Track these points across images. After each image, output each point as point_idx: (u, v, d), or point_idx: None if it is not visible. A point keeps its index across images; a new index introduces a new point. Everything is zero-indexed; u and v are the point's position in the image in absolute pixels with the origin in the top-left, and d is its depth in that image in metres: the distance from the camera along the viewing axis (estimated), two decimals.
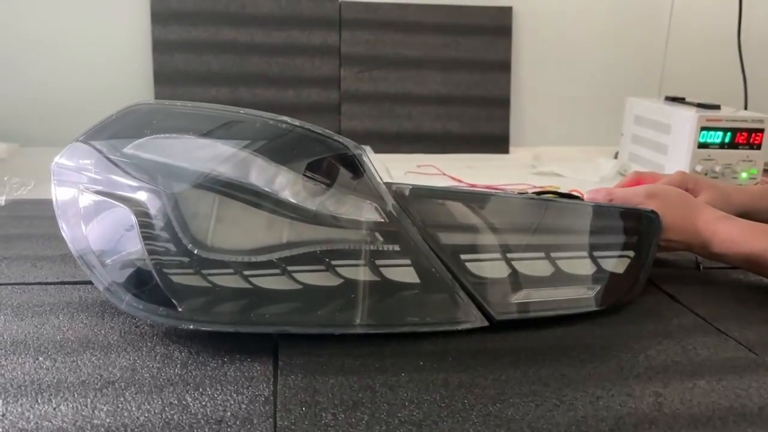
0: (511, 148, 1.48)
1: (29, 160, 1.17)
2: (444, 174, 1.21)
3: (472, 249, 0.58)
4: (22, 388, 0.47)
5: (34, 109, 1.34)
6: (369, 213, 0.55)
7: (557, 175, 1.26)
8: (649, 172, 0.84)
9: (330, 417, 0.45)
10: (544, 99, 1.53)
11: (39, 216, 0.83)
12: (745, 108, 1.43)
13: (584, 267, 0.63)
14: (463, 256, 0.58)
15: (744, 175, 1.14)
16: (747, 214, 0.74)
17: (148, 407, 0.45)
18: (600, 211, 0.66)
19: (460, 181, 1.16)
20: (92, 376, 0.49)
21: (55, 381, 0.48)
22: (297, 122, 0.56)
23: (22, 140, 1.28)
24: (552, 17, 1.51)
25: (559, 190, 0.89)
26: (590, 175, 1.27)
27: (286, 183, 0.54)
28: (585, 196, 0.76)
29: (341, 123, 1.40)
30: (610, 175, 1.27)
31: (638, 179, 0.82)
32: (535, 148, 1.49)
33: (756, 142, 1.13)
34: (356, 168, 0.55)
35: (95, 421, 0.43)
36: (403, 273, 0.56)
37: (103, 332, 0.56)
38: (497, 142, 1.47)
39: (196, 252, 0.53)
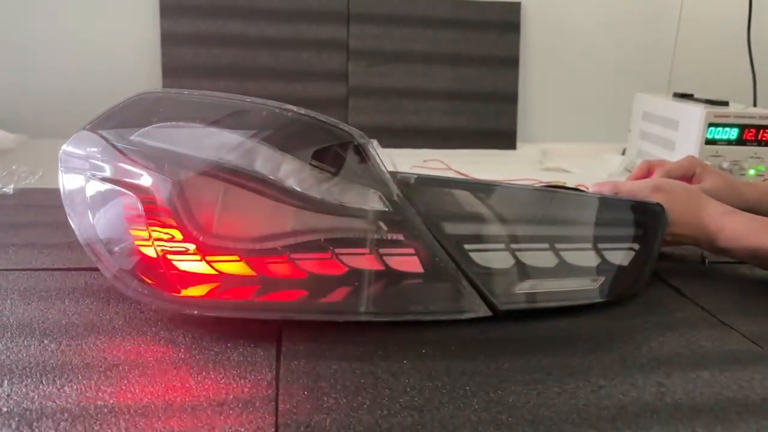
0: (519, 144, 1.48)
1: (38, 150, 1.17)
2: (450, 168, 1.22)
3: (476, 239, 0.58)
4: (27, 369, 0.47)
5: (43, 101, 1.35)
6: (374, 202, 0.55)
7: (564, 171, 1.26)
8: (658, 160, 0.84)
9: (332, 401, 0.46)
10: (551, 95, 1.53)
11: (46, 204, 0.84)
12: (754, 105, 1.42)
13: (589, 259, 0.63)
14: (467, 246, 0.58)
15: (752, 171, 1.13)
16: (755, 209, 0.74)
17: (152, 389, 0.46)
18: (605, 203, 0.66)
19: (466, 176, 1.16)
20: (97, 358, 0.49)
21: (59, 363, 0.48)
22: (303, 111, 0.56)
23: (31, 131, 1.29)
24: (560, 13, 1.50)
25: (565, 185, 0.89)
26: (597, 171, 1.27)
27: (291, 171, 0.54)
28: (590, 189, 0.76)
29: (348, 117, 1.41)
30: (618, 172, 1.27)
31: (649, 167, 0.82)
32: (542, 144, 1.49)
33: (764, 138, 1.13)
34: (361, 157, 0.55)
35: (98, 402, 0.44)
36: (407, 262, 0.56)
37: (108, 317, 0.56)
38: (504, 138, 1.47)
39: (201, 239, 0.53)
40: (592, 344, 0.56)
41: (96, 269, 0.59)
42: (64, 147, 0.60)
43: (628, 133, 1.36)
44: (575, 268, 0.62)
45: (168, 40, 1.35)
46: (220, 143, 0.55)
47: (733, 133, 1.12)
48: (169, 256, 0.54)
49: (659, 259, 0.68)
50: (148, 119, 0.57)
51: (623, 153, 1.38)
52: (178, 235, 0.53)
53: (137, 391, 0.45)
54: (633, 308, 0.64)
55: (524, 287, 0.60)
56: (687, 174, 0.81)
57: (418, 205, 0.56)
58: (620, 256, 0.65)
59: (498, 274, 0.59)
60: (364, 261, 0.55)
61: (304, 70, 1.40)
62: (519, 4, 1.46)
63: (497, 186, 0.62)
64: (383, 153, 0.58)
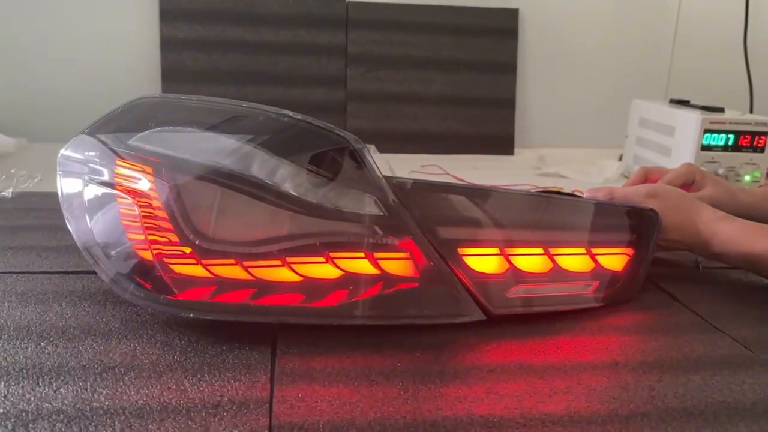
0: (516, 150, 1.49)
1: (36, 154, 1.18)
2: (448, 174, 1.22)
3: (471, 244, 0.59)
4: (24, 371, 0.48)
5: (43, 105, 1.35)
6: (369, 206, 0.55)
7: (561, 177, 1.27)
8: (656, 167, 0.85)
9: (326, 404, 0.46)
10: (549, 101, 1.54)
11: (45, 208, 0.84)
12: (751, 111, 1.43)
13: (583, 264, 0.64)
14: (461, 251, 0.58)
15: (747, 178, 1.14)
16: (751, 215, 0.74)
17: (147, 391, 0.46)
18: (600, 208, 0.67)
19: (463, 181, 1.16)
20: (93, 361, 0.50)
21: (56, 365, 0.49)
22: (299, 116, 0.56)
23: (30, 136, 1.30)
24: (558, 20, 1.51)
25: (561, 191, 0.90)
26: (594, 176, 1.28)
27: (287, 176, 0.54)
28: (585, 195, 0.76)
29: (347, 122, 1.41)
30: (614, 177, 1.27)
31: (646, 174, 0.83)
32: (539, 149, 1.49)
33: (760, 145, 1.13)
34: (357, 161, 0.55)
35: (94, 404, 0.44)
36: (402, 266, 0.57)
37: (104, 320, 0.57)
38: (502, 143, 1.48)
39: (197, 243, 0.53)
40: (585, 348, 0.57)
41: (93, 272, 0.59)
42: (63, 151, 0.60)
43: (625, 139, 1.37)
44: (569, 273, 0.63)
45: (167, 45, 1.36)
46: (217, 148, 0.55)
47: (729, 140, 1.12)
48: (166, 260, 0.54)
49: (653, 265, 0.68)
50: (146, 124, 0.57)
51: (620, 159, 1.39)
52: (175, 239, 0.54)
53: (133, 393, 0.46)
54: (626, 313, 0.64)
55: (518, 292, 0.61)
56: (687, 182, 0.81)
57: (413, 210, 0.56)
58: (614, 261, 0.65)
59: (492, 279, 0.59)
60: (359, 265, 0.56)
61: (302, 75, 1.40)
62: (517, 10, 1.47)
63: (492, 191, 0.62)
64: (381, 158, 0.58)
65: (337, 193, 0.55)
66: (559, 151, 1.48)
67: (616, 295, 0.65)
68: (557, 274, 0.62)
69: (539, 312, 0.62)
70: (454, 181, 1.17)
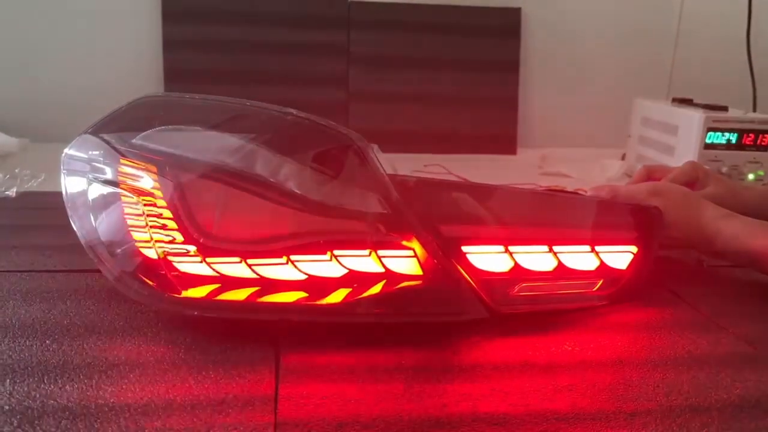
0: (519, 149, 1.49)
1: (40, 155, 1.18)
2: (451, 173, 1.22)
3: (475, 241, 0.59)
4: (29, 368, 0.48)
5: (46, 106, 1.36)
6: (373, 204, 0.55)
7: (564, 176, 1.27)
8: (659, 166, 0.85)
9: (330, 401, 0.46)
10: (551, 100, 1.54)
11: (49, 207, 0.84)
12: (754, 110, 1.43)
13: (586, 261, 0.64)
14: (465, 248, 0.58)
15: (751, 176, 1.14)
16: (754, 213, 0.74)
17: (151, 388, 0.46)
18: (603, 206, 0.67)
19: (466, 180, 1.16)
20: (97, 358, 0.50)
21: (60, 363, 0.49)
22: (303, 114, 0.56)
23: (33, 136, 1.30)
24: (560, 19, 1.51)
25: (564, 190, 0.90)
26: (597, 176, 1.28)
27: (291, 174, 0.54)
28: (588, 193, 0.76)
29: (349, 122, 1.41)
30: (617, 177, 1.27)
31: (649, 173, 0.83)
32: (542, 149, 1.49)
33: (763, 143, 1.13)
34: (361, 159, 0.55)
35: (99, 401, 0.44)
36: (406, 264, 0.57)
37: (109, 318, 0.57)
38: (505, 143, 1.48)
39: (202, 241, 0.54)
40: (588, 345, 0.57)
41: (97, 271, 0.59)
42: (67, 150, 0.60)
43: (628, 138, 1.37)
44: (573, 271, 0.63)
45: (170, 45, 1.36)
46: (220, 146, 0.55)
47: (732, 138, 1.12)
48: (170, 258, 0.54)
49: (657, 263, 0.68)
50: (150, 123, 0.57)
51: (623, 158, 1.39)
52: (179, 237, 0.54)
53: (137, 390, 0.46)
54: (630, 311, 0.64)
55: (522, 290, 0.60)
56: (690, 180, 0.81)
57: (417, 207, 0.56)
58: (617, 259, 0.65)
59: (496, 277, 0.59)
60: (362, 263, 0.56)
61: (304, 75, 1.41)
62: (519, 9, 1.47)
63: (496, 188, 0.62)
64: (384, 158, 0.58)
65: (340, 191, 0.55)
66: (562, 151, 1.48)
67: (620, 293, 0.65)
68: (561, 272, 0.62)
69: (543, 310, 0.62)
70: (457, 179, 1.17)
